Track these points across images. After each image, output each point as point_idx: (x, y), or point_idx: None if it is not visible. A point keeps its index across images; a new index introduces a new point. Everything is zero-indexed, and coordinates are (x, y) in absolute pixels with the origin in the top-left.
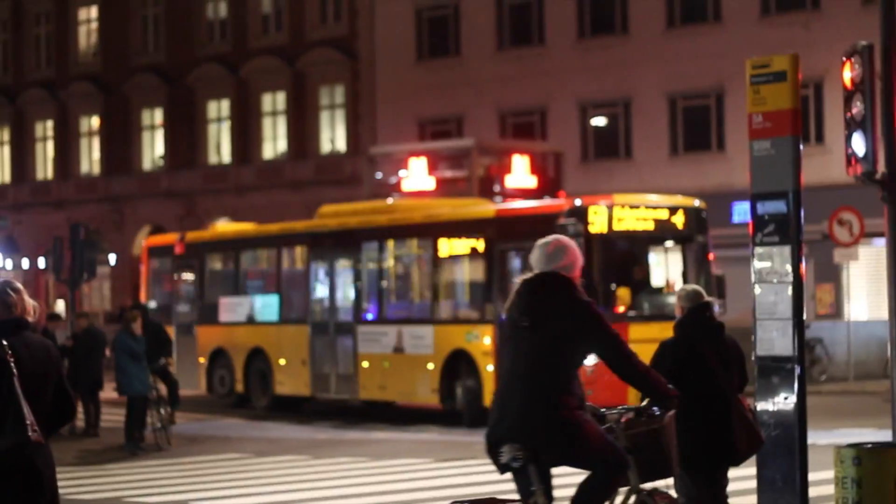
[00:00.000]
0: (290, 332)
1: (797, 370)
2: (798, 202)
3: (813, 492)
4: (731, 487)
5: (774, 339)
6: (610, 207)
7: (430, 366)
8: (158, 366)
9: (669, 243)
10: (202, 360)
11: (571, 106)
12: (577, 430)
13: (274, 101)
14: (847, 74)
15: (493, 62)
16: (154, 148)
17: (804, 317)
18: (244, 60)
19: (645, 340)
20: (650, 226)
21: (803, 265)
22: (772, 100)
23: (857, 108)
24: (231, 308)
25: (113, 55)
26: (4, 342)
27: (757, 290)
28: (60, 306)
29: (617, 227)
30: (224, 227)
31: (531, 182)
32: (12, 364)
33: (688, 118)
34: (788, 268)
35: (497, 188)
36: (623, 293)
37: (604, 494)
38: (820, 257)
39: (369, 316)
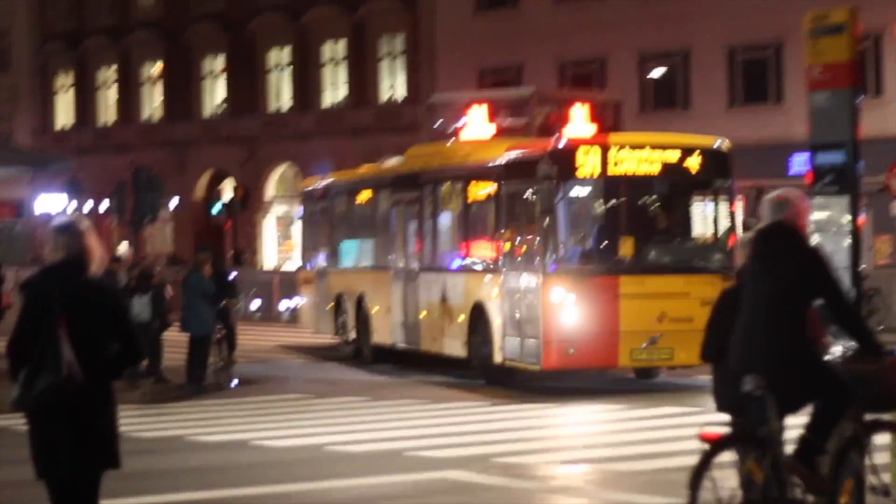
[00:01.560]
0: (380, 278)
1: None
2: (856, 153)
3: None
4: (787, 435)
5: None
6: (605, 148)
7: (461, 318)
8: (221, 308)
9: (682, 189)
10: (329, 306)
11: (630, 57)
12: (813, 363)
13: (334, 50)
14: None
15: (552, 13)
16: (215, 95)
17: (862, 266)
18: (305, 8)
19: (648, 295)
20: (656, 169)
21: (861, 216)
22: (830, 52)
23: None
24: (347, 253)
25: (174, 3)
26: (48, 284)
27: (815, 239)
28: (123, 248)
29: (614, 170)
30: (365, 168)
31: (590, 131)
32: (60, 306)
33: (746, 70)
34: (846, 218)
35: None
36: (623, 243)
37: (834, 421)
38: (878, 208)
39: (427, 263)
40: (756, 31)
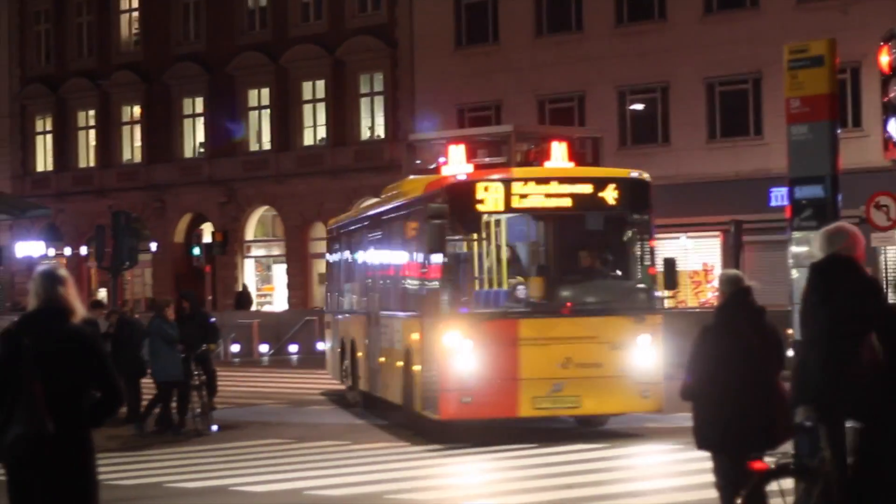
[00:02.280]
0: (361, 323)
1: None
2: (835, 186)
3: None
4: None
5: None
6: (506, 182)
7: (399, 364)
8: (201, 352)
9: (593, 224)
10: (336, 351)
11: (609, 92)
12: (864, 392)
13: (314, 89)
14: (884, 59)
15: (531, 49)
16: (195, 136)
17: None
18: (284, 49)
19: (550, 339)
20: (565, 203)
21: None
22: (809, 84)
23: (894, 92)
24: (347, 296)
25: (154, 44)
26: (23, 333)
27: (794, 273)
28: (102, 294)
29: (518, 205)
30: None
31: (569, 167)
32: (32, 356)
33: (725, 103)
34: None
35: None
36: (528, 283)
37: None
38: None
39: (383, 306)
40: (734, 64)
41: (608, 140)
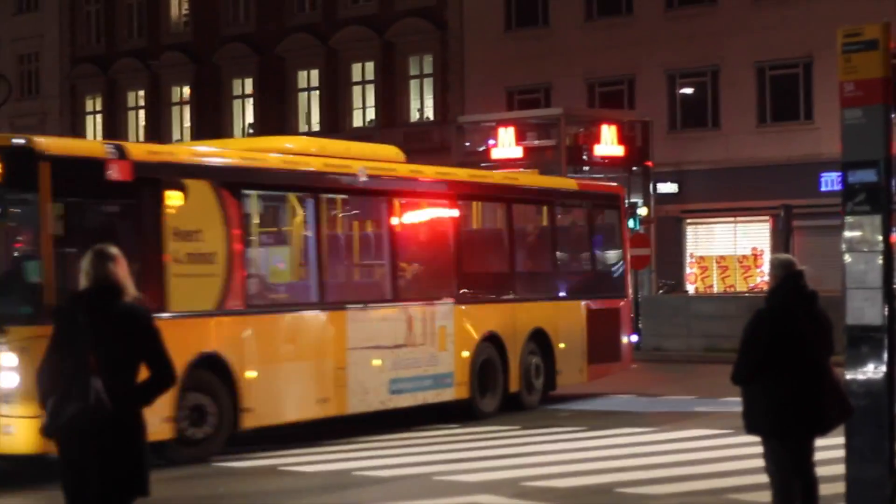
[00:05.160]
0: None
1: (886, 340)
2: (889, 171)
3: None
4: (819, 456)
5: (864, 309)
6: None
7: None
8: None
9: None
10: None
11: (659, 75)
12: None
13: (363, 71)
14: None
15: (581, 32)
16: (244, 117)
17: (894, 286)
18: (334, 30)
19: None
20: None
21: (893, 234)
22: (863, 68)
23: None
24: None
25: (204, 25)
26: (77, 311)
27: (847, 258)
28: None
29: None
30: None
31: (619, 151)
32: (89, 332)
33: (775, 87)
34: (879, 237)
35: (585, 157)
36: None
37: None
38: None
39: None
40: (785, 47)
41: (657, 124)
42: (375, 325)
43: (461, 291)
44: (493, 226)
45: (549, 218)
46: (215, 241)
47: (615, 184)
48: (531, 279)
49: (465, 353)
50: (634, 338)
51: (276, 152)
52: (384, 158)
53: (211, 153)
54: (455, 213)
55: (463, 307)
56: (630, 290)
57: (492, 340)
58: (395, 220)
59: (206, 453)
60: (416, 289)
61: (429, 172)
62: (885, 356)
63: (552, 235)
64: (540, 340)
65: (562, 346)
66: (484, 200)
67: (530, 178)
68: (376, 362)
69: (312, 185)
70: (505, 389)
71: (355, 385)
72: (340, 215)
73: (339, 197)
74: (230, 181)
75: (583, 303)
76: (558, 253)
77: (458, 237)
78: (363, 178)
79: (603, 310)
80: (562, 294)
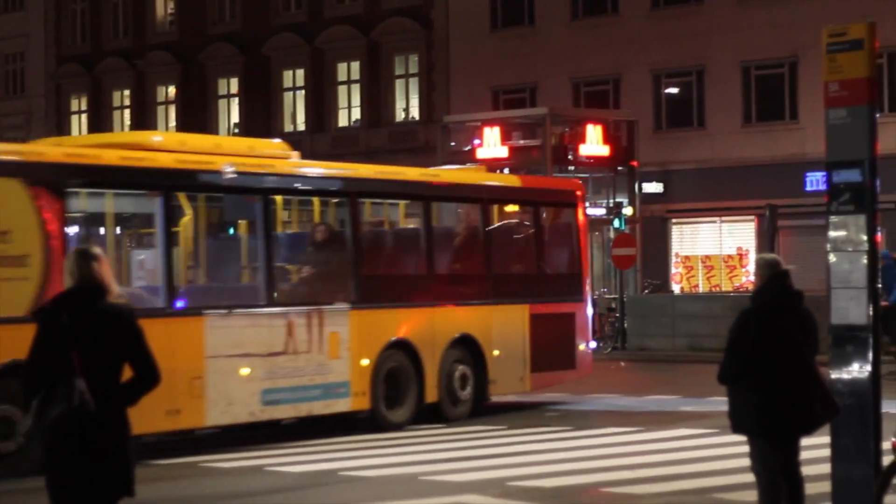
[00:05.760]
0: None
1: (871, 339)
2: (874, 171)
3: (886, 461)
4: (804, 456)
5: (849, 308)
6: None
7: None
8: None
9: None
10: None
11: (645, 75)
12: None
13: (349, 70)
14: None
15: (566, 31)
16: (230, 116)
17: (879, 285)
18: (319, 30)
19: None
20: None
21: (878, 234)
22: (848, 68)
23: None
24: None
25: (189, 25)
26: (61, 311)
27: (832, 258)
28: None
29: None
30: None
31: (604, 151)
32: (72, 332)
33: (761, 87)
34: (863, 236)
35: (570, 157)
36: None
37: None
38: (893, 226)
39: None
40: (770, 47)
41: (643, 123)
42: (243, 331)
43: (359, 295)
44: (413, 225)
45: (483, 217)
46: (28, 244)
47: (576, 180)
48: (457, 281)
49: (366, 362)
50: (593, 344)
51: (137, 148)
52: (265, 154)
53: (25, 150)
54: (352, 211)
55: (361, 312)
56: (588, 293)
57: (401, 347)
58: (273, 220)
59: None
60: (300, 292)
61: (320, 168)
62: (871, 355)
63: (486, 235)
64: (469, 347)
65: (496, 353)
66: (392, 199)
67: (456, 175)
68: (244, 371)
69: (160, 183)
70: (420, 400)
71: (216, 395)
72: (203, 215)
73: (200, 195)
74: (48, 180)
75: (525, 307)
76: (494, 254)
77: (358, 237)
78: (230, 175)
79: (552, 314)
80: (497, 297)
